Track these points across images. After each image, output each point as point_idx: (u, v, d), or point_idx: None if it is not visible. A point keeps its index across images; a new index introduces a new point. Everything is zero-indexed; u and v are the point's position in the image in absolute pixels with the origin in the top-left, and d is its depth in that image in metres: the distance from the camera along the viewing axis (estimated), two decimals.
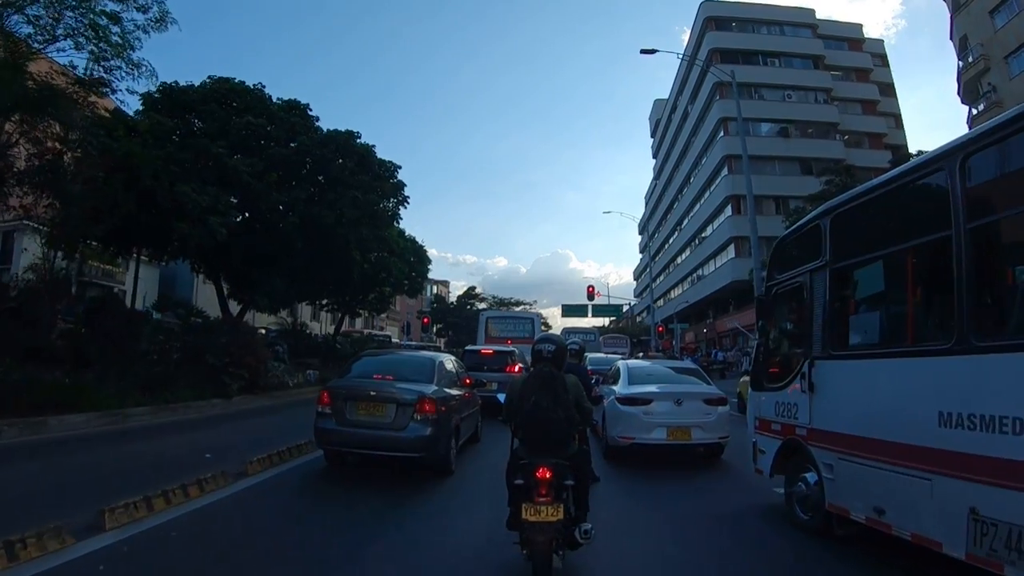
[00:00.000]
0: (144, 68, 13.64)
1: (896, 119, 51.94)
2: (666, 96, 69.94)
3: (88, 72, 13.39)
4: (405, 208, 21.50)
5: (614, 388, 10.16)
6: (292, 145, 19.47)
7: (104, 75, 13.41)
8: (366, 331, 53.36)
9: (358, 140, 20.05)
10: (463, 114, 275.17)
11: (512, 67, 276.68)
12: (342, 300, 28.95)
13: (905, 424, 4.36)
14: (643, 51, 25.10)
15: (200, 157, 17.62)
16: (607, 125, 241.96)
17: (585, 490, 4.63)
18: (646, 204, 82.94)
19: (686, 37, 50.14)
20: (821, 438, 5.45)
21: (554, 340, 4.88)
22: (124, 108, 17.34)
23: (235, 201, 18.63)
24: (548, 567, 4.11)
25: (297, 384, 19.55)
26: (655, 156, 78.97)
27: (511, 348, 16.11)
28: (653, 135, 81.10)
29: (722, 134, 47.62)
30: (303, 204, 18.57)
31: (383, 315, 71.57)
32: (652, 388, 9.67)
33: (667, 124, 67.96)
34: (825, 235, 5.63)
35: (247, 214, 18.93)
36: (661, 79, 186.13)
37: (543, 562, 4.10)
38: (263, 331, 28.21)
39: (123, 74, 13.38)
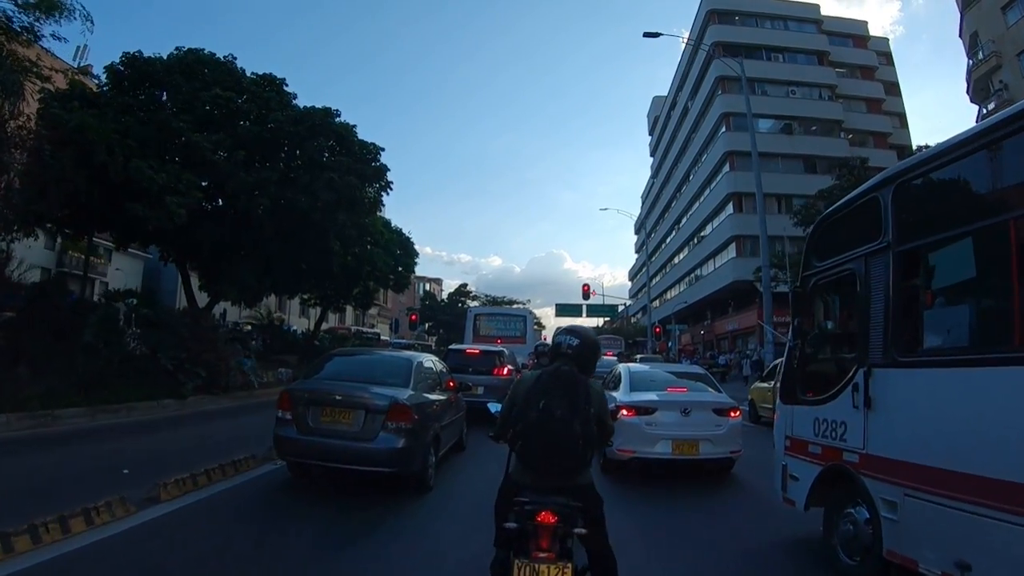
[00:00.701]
0: (76, 11, 12.01)
1: (901, 119, 50.93)
2: (665, 93, 68.87)
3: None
4: (388, 194, 19.84)
5: (614, 395, 9.03)
6: (269, 126, 17.86)
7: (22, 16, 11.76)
8: (354, 328, 51.87)
9: (337, 119, 18.41)
10: (459, 112, 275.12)
11: (509, 65, 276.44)
12: (324, 294, 27.32)
13: (1009, 454, 3.29)
14: (646, 34, 23.92)
15: (163, 132, 16.06)
16: (604, 125, 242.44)
17: (602, 538, 3.38)
18: (643, 203, 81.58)
19: (686, 36, 48.80)
20: (880, 467, 4.29)
21: (579, 333, 3.62)
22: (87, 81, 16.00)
23: (204, 184, 17.05)
24: None
25: (266, 384, 17.96)
26: (653, 154, 77.64)
27: (500, 348, 14.54)
28: (651, 132, 79.75)
29: (724, 129, 46.31)
30: (275, 186, 16.91)
31: (373, 311, 70.46)
32: (656, 396, 8.66)
33: (666, 121, 66.59)
34: (886, 209, 4.47)
35: (212, 196, 17.28)
36: (659, 79, 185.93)
37: None
38: (247, 326, 26.75)
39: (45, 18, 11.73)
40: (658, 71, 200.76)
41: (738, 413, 8.70)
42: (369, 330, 58.32)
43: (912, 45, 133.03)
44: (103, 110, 16.16)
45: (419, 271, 43.89)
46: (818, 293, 5.64)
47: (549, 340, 25.40)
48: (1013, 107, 3.72)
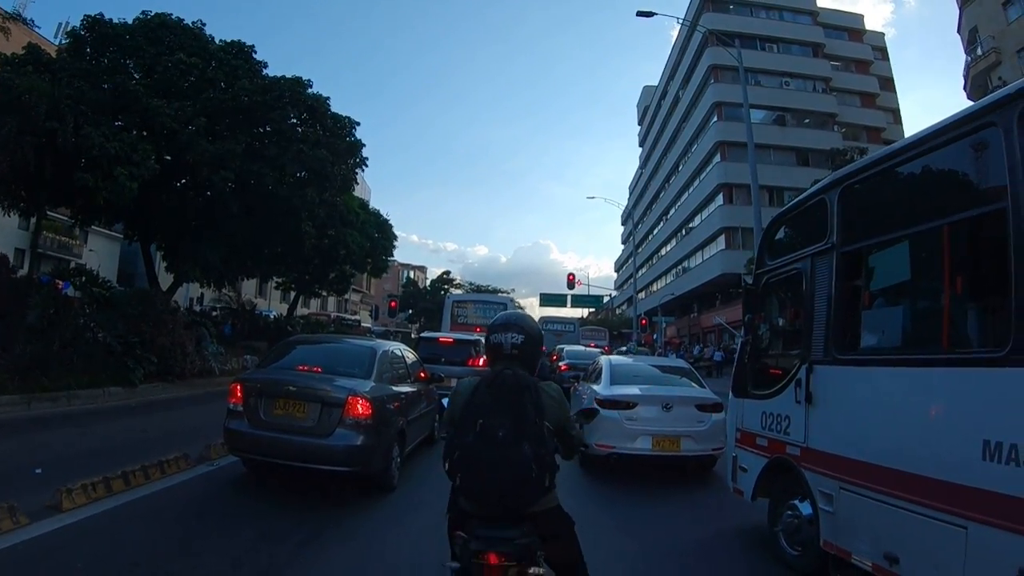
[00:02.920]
0: None
1: (895, 114, 50.44)
2: (655, 83, 67.93)
3: None
4: (363, 171, 18.67)
5: (595, 388, 9.05)
6: (235, 95, 16.70)
7: None
8: (334, 314, 50.79)
9: (309, 89, 17.25)
10: (450, 104, 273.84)
11: (500, 59, 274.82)
12: (298, 278, 26.19)
13: (935, 453, 3.45)
14: (639, 13, 22.77)
15: (120, 98, 14.93)
16: (593, 118, 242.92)
17: (576, 568, 2.74)
18: (631, 194, 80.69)
19: (675, 33, 48.08)
20: (819, 460, 4.51)
21: (523, 325, 2.86)
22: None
23: (164, 156, 15.92)
24: None
25: (229, 371, 16.93)
26: (642, 144, 76.69)
27: (477, 337, 13.54)
28: (641, 123, 78.74)
29: (716, 119, 45.47)
30: (240, 159, 15.75)
31: (356, 298, 69.36)
32: (637, 390, 8.52)
33: (656, 111, 65.65)
34: (832, 211, 4.66)
35: (172, 168, 16.12)
36: (649, 73, 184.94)
37: None
38: (214, 310, 25.58)
39: None
40: (648, 65, 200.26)
41: (722, 409, 8.25)
42: (351, 317, 57.21)
43: (904, 48, 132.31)
44: (58, 75, 15.08)
45: (404, 258, 43.20)
46: (769, 291, 5.77)
47: None
48: (947, 118, 3.76)
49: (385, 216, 28.61)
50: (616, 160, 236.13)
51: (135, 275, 27.35)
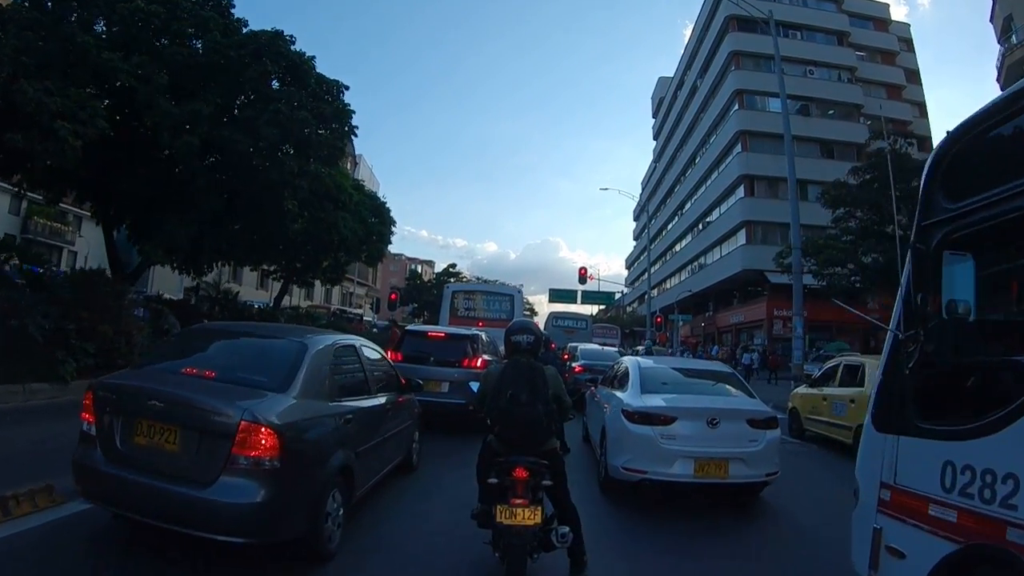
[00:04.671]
0: None
1: (920, 108, 48.21)
2: (671, 74, 65.71)
3: None
4: (352, 140, 16.48)
5: (620, 396, 7.52)
6: (205, 49, 14.62)
7: None
8: (334, 308, 48.73)
9: (291, 46, 15.13)
10: (462, 99, 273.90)
11: (512, 54, 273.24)
12: (288, 265, 24.10)
13: None
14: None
15: (69, 51, 12.93)
16: (604, 115, 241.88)
17: (564, 490, 4.40)
18: (643, 189, 78.43)
19: (688, 32, 46.13)
20: None
21: (531, 329, 4.62)
22: None
23: (121, 119, 13.91)
24: (523, 571, 3.92)
25: None
26: (656, 137, 74.46)
27: (476, 332, 11.39)
28: (655, 115, 76.42)
29: (736, 107, 43.32)
30: (208, 123, 13.71)
31: (360, 291, 67.42)
32: (674, 400, 7.02)
33: (672, 102, 63.39)
34: None
35: (129, 131, 14.05)
36: (660, 68, 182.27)
37: (518, 566, 3.90)
38: (192, 299, 23.57)
39: None
40: (660, 61, 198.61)
41: (777, 426, 6.96)
42: (354, 310, 55.13)
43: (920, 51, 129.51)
44: (7, 26, 13.15)
45: (413, 253, 40.96)
46: (953, 252, 3.26)
47: (541, 326, 22.33)
48: None
49: (382, 198, 26.36)
50: (626, 157, 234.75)
51: (131, 263, 25.49)
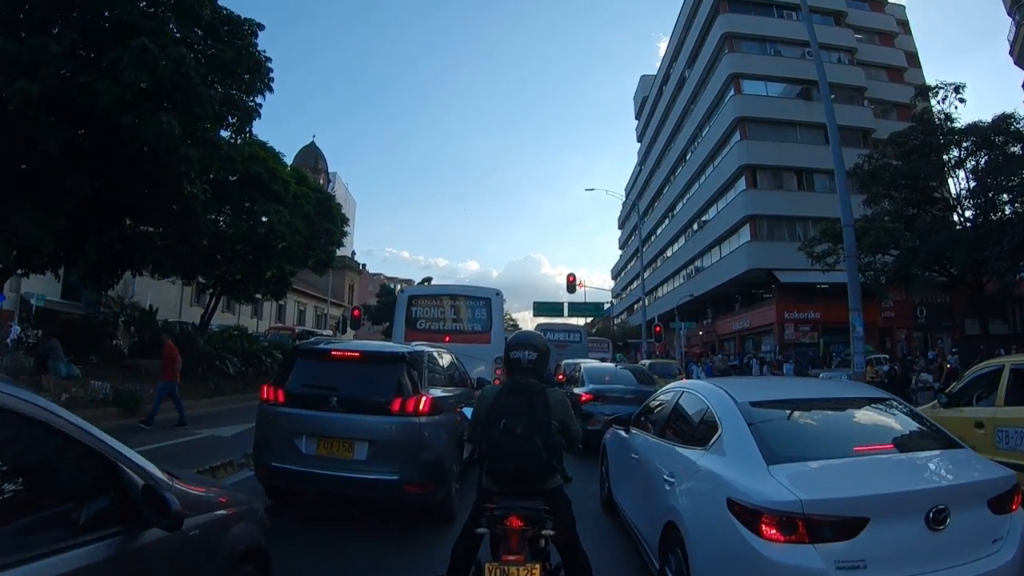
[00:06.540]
0: None
1: (922, 90, 45.22)
2: (654, 72, 62.51)
3: None
4: (266, 96, 12.18)
5: (706, 465, 3.74)
6: None
7: None
8: (299, 328, 44.17)
9: None
10: (441, 120, 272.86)
11: (489, 73, 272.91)
12: (224, 277, 19.77)
13: None
14: None
15: None
16: (584, 131, 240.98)
17: (572, 536, 3.43)
18: (627, 195, 74.85)
19: (663, 46, 42.93)
20: None
21: (535, 344, 3.61)
22: None
23: None
24: None
25: (70, 401, 10.71)
26: (640, 139, 70.97)
27: (418, 349, 6.62)
28: (638, 116, 73.03)
29: (732, 93, 39.71)
30: (58, 65, 9.59)
31: (334, 312, 62.69)
32: (854, 478, 3.24)
33: (656, 99, 59.90)
34: None
35: None
36: (636, 83, 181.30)
37: None
38: (99, 316, 19.19)
39: None
40: (636, 75, 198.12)
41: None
42: (326, 332, 50.27)
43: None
44: None
45: (392, 272, 36.70)
46: None
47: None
48: None
49: (332, 192, 21.97)
50: (606, 172, 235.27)
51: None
